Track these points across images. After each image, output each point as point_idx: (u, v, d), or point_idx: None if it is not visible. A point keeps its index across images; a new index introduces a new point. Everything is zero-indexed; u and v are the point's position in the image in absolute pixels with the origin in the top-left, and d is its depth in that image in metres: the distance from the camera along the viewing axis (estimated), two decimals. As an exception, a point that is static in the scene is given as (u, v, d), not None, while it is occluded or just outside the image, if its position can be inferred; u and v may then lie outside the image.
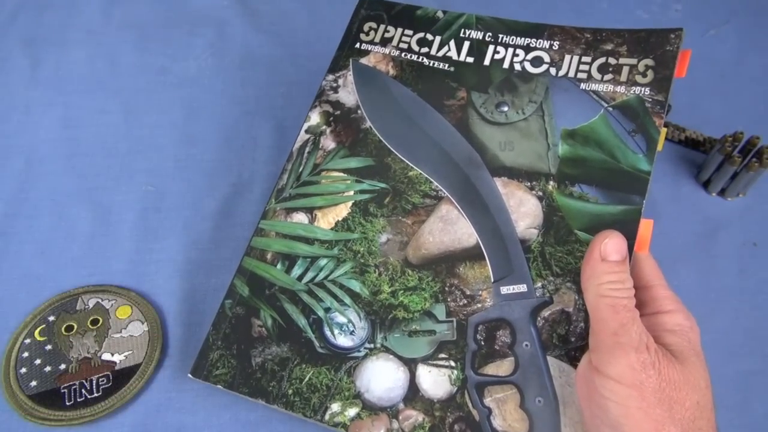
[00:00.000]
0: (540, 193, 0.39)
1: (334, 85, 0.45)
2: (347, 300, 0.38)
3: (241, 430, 0.39)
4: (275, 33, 0.63)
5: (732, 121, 0.52)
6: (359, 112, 0.44)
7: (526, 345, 0.35)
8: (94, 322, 0.44)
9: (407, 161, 0.42)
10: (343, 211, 0.41)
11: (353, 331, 0.37)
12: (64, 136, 0.55)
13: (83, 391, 0.41)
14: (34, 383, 0.41)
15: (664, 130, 0.38)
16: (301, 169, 0.43)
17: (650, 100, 0.39)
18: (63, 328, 0.44)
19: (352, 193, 0.41)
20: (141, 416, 0.40)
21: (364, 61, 0.45)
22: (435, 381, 0.35)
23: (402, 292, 0.38)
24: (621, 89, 0.40)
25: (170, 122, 0.55)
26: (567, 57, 0.42)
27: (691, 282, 0.47)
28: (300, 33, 0.62)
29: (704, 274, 0.48)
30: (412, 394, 0.35)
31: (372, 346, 0.37)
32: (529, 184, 0.39)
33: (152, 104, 0.57)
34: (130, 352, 0.41)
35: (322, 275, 0.39)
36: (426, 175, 0.41)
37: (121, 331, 0.42)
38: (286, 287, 0.39)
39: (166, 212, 0.49)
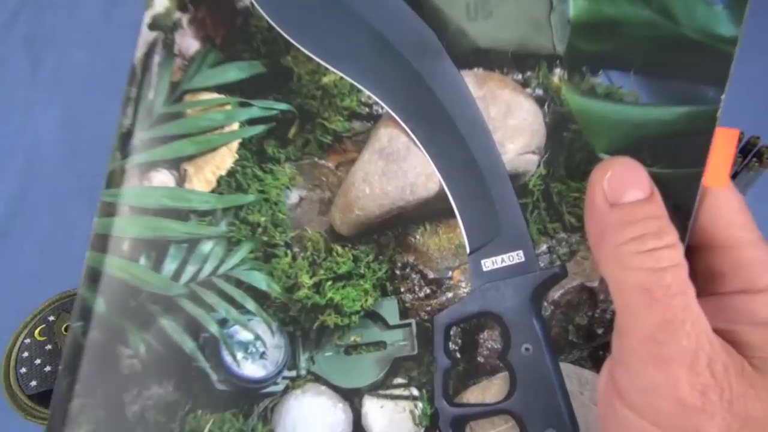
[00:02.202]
0: (540, 92, 0.26)
1: (185, -67, 0.29)
2: (250, 304, 0.27)
3: None
4: None
5: (732, 121, 0.45)
6: (231, -22, 0.29)
7: (527, 349, 0.25)
8: None
9: (319, 59, 0.27)
10: (226, 159, 0.28)
11: (263, 352, 0.27)
12: (64, 136, 0.56)
13: None
14: (34, 383, 0.43)
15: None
16: (152, 96, 0.29)
17: None
18: (63, 328, 0.45)
19: (236, 126, 0.28)
20: None
21: None
22: (390, 421, 0.26)
23: (330, 283, 0.27)
24: None
25: None
26: None
27: None
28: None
29: None
30: None
31: (294, 373, 0.27)
32: (520, 76, 0.26)
33: None
34: None
35: (208, 269, 0.28)
36: (351, 80, 0.27)
37: None
38: (158, 293, 0.28)
39: None
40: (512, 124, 0.26)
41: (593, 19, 0.25)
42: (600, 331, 0.25)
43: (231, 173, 0.28)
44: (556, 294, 0.26)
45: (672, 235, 0.22)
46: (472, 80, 0.26)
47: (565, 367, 0.25)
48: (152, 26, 0.30)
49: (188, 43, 0.30)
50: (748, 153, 0.49)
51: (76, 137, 0.57)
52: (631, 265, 0.21)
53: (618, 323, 0.22)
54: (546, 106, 0.26)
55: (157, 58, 0.30)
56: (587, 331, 0.25)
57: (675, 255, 0.21)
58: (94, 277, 0.29)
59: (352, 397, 0.27)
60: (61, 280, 0.48)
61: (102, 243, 0.29)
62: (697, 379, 0.20)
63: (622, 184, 0.22)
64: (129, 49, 0.63)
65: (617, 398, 0.22)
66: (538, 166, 0.26)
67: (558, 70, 0.26)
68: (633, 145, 0.24)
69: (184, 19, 0.30)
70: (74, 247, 0.50)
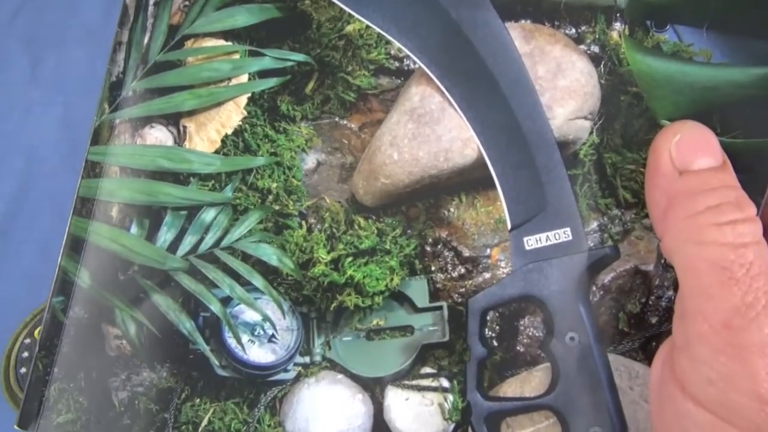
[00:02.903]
0: (595, 49, 0.25)
1: None
2: (258, 281, 0.25)
3: None
4: None
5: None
6: None
7: (572, 338, 0.24)
8: None
9: (342, 3, 0.25)
10: (232, 115, 0.26)
11: (273, 335, 0.26)
12: (64, 136, 0.54)
13: None
14: None
15: None
16: (147, 41, 0.26)
17: None
18: None
19: (244, 78, 0.26)
20: None
21: None
22: (417, 415, 0.25)
23: (350, 259, 0.25)
24: None
25: None
26: None
27: None
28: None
29: None
30: None
31: (307, 360, 0.26)
32: (574, 30, 0.25)
33: None
34: None
35: (210, 240, 0.26)
36: (379, 30, 0.25)
37: None
38: (151, 266, 0.26)
39: None
40: (562, 85, 0.24)
41: None
42: (654, 320, 0.24)
43: (238, 132, 0.26)
44: (606, 278, 0.25)
45: (752, 208, 0.20)
46: (518, 33, 0.24)
47: (614, 359, 0.24)
48: None
49: None
50: None
51: (76, 137, 0.55)
52: (708, 239, 0.19)
53: (684, 306, 0.20)
54: (602, 66, 0.25)
55: None
56: (640, 319, 0.24)
57: (756, 230, 0.19)
58: (77, 246, 0.27)
59: (373, 388, 0.26)
60: None
61: (87, 207, 0.27)
62: None
63: (693, 149, 0.20)
64: None
65: (678, 390, 0.20)
66: (591, 133, 0.25)
67: (618, 24, 0.24)
68: (702, 111, 0.23)
69: None
70: None
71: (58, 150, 0.56)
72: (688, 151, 0.21)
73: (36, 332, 0.47)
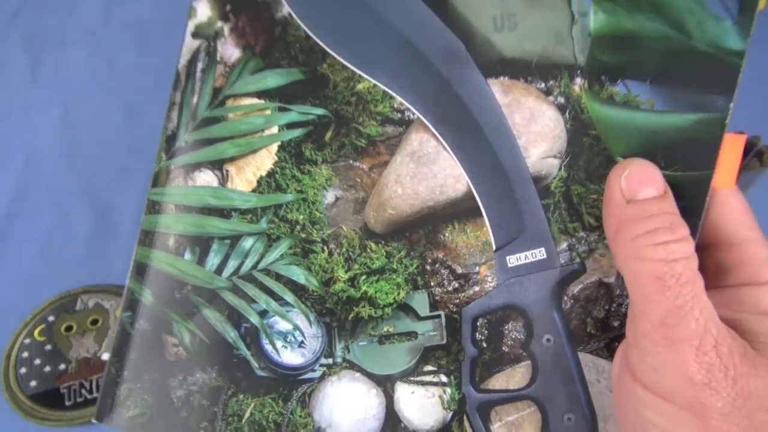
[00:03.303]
0: (561, 100, 0.28)
1: (227, -53, 0.31)
2: (289, 296, 0.29)
3: None
4: None
5: (732, 121, 0.46)
6: (270, -10, 0.31)
7: (548, 340, 0.27)
8: (94, 322, 0.46)
9: (353, 66, 0.29)
10: (265, 160, 0.30)
11: (302, 341, 0.29)
12: (64, 136, 0.56)
13: (83, 391, 0.43)
14: (33, 383, 0.43)
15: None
16: (195, 100, 0.31)
17: None
18: (63, 328, 0.45)
19: (275, 129, 0.30)
20: None
21: None
22: (421, 406, 0.28)
23: (364, 277, 0.29)
24: None
25: None
26: None
27: None
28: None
29: None
30: (392, 426, 0.29)
31: (330, 361, 0.29)
32: (543, 85, 0.28)
33: (152, 104, 0.58)
34: None
35: (249, 263, 0.30)
36: (384, 87, 0.29)
37: None
38: (201, 286, 0.30)
39: None
40: (535, 130, 0.28)
41: (612, 32, 0.27)
42: (616, 323, 0.27)
43: (271, 174, 0.30)
44: (575, 289, 0.28)
45: (683, 230, 0.23)
46: (498, 88, 0.28)
47: (584, 357, 0.27)
48: (195, 35, 0.32)
49: (230, 51, 0.32)
50: (747, 153, 0.51)
51: (76, 137, 0.57)
52: (645, 256, 0.23)
53: (632, 310, 0.24)
54: (567, 114, 0.28)
55: (200, 65, 0.32)
56: (604, 323, 0.27)
57: (686, 248, 0.23)
58: (141, 270, 0.31)
59: (385, 384, 0.29)
60: (61, 280, 0.49)
61: (149, 238, 0.31)
62: (704, 359, 0.22)
63: (638, 182, 0.24)
64: (129, 49, 0.63)
65: (631, 378, 0.24)
66: (559, 169, 0.28)
67: (579, 80, 0.27)
68: (648, 149, 0.26)
69: (226, 28, 0.32)
70: (74, 247, 0.51)
71: (58, 150, 0.57)
72: (635, 184, 0.24)
73: (36, 332, 0.45)
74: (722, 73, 0.25)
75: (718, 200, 0.26)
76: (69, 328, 0.46)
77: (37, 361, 0.44)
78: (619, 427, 0.25)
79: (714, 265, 0.25)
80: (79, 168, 0.55)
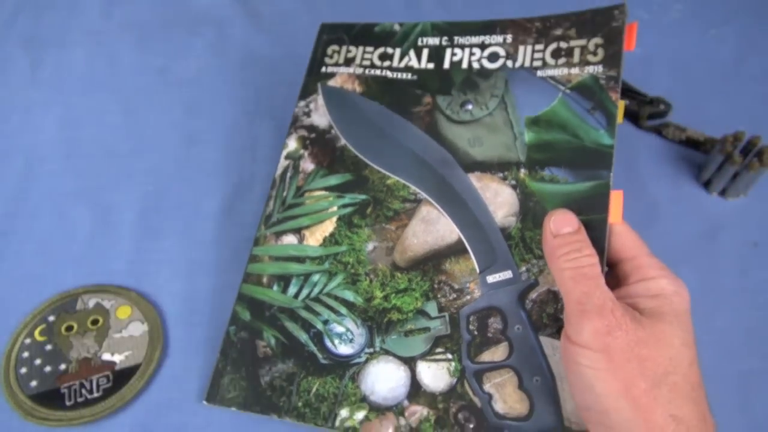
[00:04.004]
0: (513, 182, 0.43)
1: (306, 110, 0.50)
2: (343, 310, 0.42)
3: (242, 429, 0.42)
4: (275, 33, 0.65)
5: (732, 121, 0.54)
6: (333, 131, 0.48)
7: (518, 328, 0.39)
8: (95, 322, 0.46)
9: (384, 171, 0.46)
10: (329, 226, 0.45)
11: (352, 338, 0.41)
12: (64, 136, 0.57)
13: (83, 391, 0.43)
14: (34, 383, 0.43)
15: (621, 103, 0.42)
16: (285, 194, 0.47)
17: (604, 76, 0.43)
18: (63, 328, 0.46)
19: (335, 208, 0.45)
20: (141, 416, 0.43)
21: (331, 83, 0.50)
22: (435, 375, 0.39)
23: (394, 295, 0.42)
24: (575, 71, 0.44)
25: (170, 122, 0.58)
26: (521, 48, 0.46)
27: (692, 282, 0.50)
28: (300, 33, 0.63)
29: (705, 274, 0.50)
30: (415, 390, 0.39)
31: (372, 350, 0.40)
32: (501, 174, 0.43)
33: (152, 104, 0.60)
34: (130, 352, 0.44)
35: (316, 290, 0.43)
36: (403, 181, 0.45)
37: (121, 331, 0.45)
38: (284, 306, 0.43)
39: (166, 212, 0.53)
40: (499, 200, 0.42)
41: (539, 141, 0.43)
42: (561, 316, 0.38)
43: (332, 234, 0.45)
44: (533, 295, 0.39)
45: (589, 249, 0.36)
46: (474, 179, 0.43)
47: (543, 339, 0.38)
48: (287, 157, 0.49)
49: (307, 165, 0.49)
50: (747, 153, 0.50)
51: (76, 137, 0.57)
52: (565, 266, 0.36)
53: (564, 303, 0.35)
54: (517, 190, 0.42)
55: (289, 174, 0.48)
56: (554, 316, 0.38)
57: (590, 259, 0.35)
58: (244, 299, 0.44)
59: (409, 363, 0.40)
60: (61, 280, 0.49)
61: (250, 278, 0.45)
62: (604, 320, 0.33)
63: (559, 224, 0.37)
64: (129, 49, 0.65)
65: (568, 342, 0.34)
66: (516, 223, 0.41)
67: (522, 170, 0.43)
68: (568, 205, 0.40)
69: (305, 153, 0.49)
70: (74, 247, 0.51)
71: (58, 150, 0.56)
72: (557, 225, 0.37)
73: (36, 332, 0.45)
74: (603, 157, 0.40)
75: (615, 232, 0.38)
76: (69, 328, 0.46)
77: (38, 361, 0.44)
78: (568, 376, 0.34)
79: (621, 273, 0.38)
80: (79, 168, 0.55)
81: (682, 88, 0.58)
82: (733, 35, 0.64)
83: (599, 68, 0.43)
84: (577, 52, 0.44)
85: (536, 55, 0.46)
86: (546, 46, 0.46)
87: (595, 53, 0.44)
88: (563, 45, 0.45)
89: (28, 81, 0.61)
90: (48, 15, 0.67)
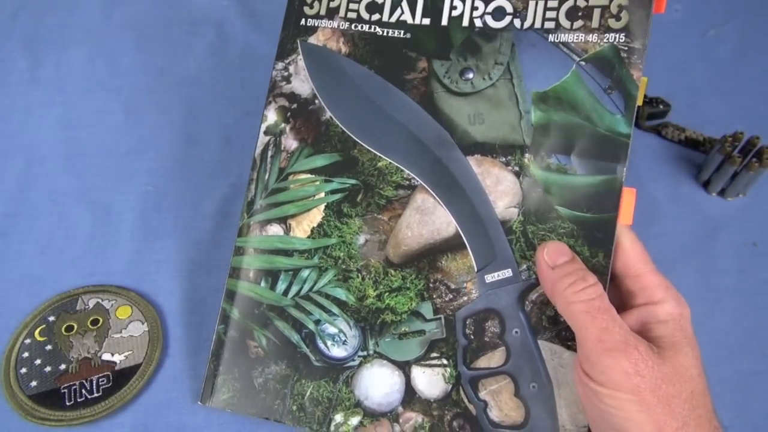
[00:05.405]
0: (516, 168, 0.39)
1: (285, 73, 0.44)
2: (335, 309, 0.40)
3: (241, 429, 0.43)
4: (275, 33, 0.61)
5: (732, 121, 0.53)
6: (317, 102, 0.43)
7: (516, 332, 0.37)
8: (95, 322, 0.46)
9: (374, 151, 0.41)
10: (316, 216, 0.42)
11: (345, 340, 0.40)
12: (64, 136, 0.57)
13: (83, 391, 0.43)
14: (34, 383, 0.44)
15: (644, 80, 0.37)
16: (267, 177, 0.43)
17: (626, 48, 0.37)
18: (63, 328, 0.46)
19: (323, 194, 0.42)
20: (141, 416, 0.43)
21: (312, 40, 0.44)
22: (430, 381, 0.38)
23: (387, 294, 0.40)
24: (593, 38, 0.38)
25: (170, 122, 0.58)
26: (531, 4, 0.39)
27: (691, 282, 0.49)
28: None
29: (704, 274, 0.50)
30: (410, 396, 0.38)
31: (365, 353, 0.39)
32: (504, 159, 0.39)
33: (152, 104, 0.59)
34: (130, 352, 0.45)
35: (306, 287, 0.41)
36: (396, 164, 0.41)
37: (121, 332, 0.46)
38: (273, 304, 0.41)
39: (166, 212, 0.53)
40: (500, 189, 0.39)
41: (547, 122, 0.38)
42: (562, 319, 0.36)
43: (320, 225, 0.42)
44: (533, 296, 0.37)
45: (592, 278, 0.33)
46: (473, 162, 0.39)
47: (542, 343, 0.37)
48: (266, 132, 0.44)
49: (290, 142, 0.44)
50: (748, 153, 0.50)
51: (76, 137, 0.57)
52: (574, 300, 0.33)
53: (577, 336, 0.33)
54: (521, 178, 0.39)
55: (270, 153, 0.44)
56: (554, 319, 0.37)
57: (597, 289, 0.33)
58: (230, 295, 0.42)
59: (404, 367, 0.39)
60: (61, 280, 0.49)
61: (236, 273, 0.43)
62: (631, 358, 0.31)
63: (554, 254, 0.34)
64: (129, 49, 0.64)
65: (589, 380, 0.33)
66: (518, 215, 0.38)
67: (527, 155, 0.39)
68: (575, 201, 0.37)
69: (287, 127, 0.44)
70: (74, 247, 0.52)
71: (58, 150, 0.56)
72: (552, 256, 0.34)
73: (36, 332, 0.45)
74: (617, 149, 0.36)
75: (621, 246, 0.36)
76: (69, 328, 0.46)
77: (38, 361, 0.44)
78: (588, 415, 0.34)
79: (625, 292, 0.36)
80: (79, 168, 0.56)
81: (682, 88, 0.58)
82: (732, 35, 0.62)
83: (621, 37, 0.37)
84: (596, 14, 0.38)
85: (549, 14, 0.39)
86: (561, 3, 0.39)
87: (618, 17, 0.37)
88: (581, 3, 0.38)
89: (28, 81, 0.61)
90: (48, 15, 0.66)
